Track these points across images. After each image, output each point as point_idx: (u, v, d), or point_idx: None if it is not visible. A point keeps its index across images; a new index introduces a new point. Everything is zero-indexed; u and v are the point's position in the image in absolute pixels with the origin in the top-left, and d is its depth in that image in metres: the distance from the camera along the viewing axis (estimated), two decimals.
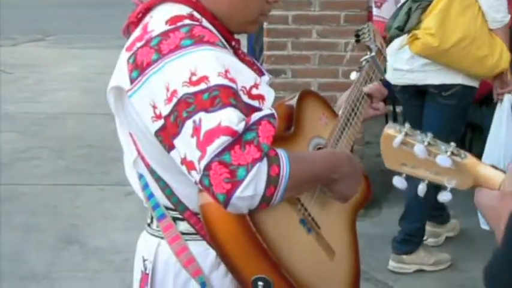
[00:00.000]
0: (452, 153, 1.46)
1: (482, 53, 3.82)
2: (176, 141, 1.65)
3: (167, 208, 1.83)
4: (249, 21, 1.86)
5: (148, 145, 1.78)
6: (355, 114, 2.03)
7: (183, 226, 1.82)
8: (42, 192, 5.80)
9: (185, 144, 1.62)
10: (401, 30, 3.80)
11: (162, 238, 1.85)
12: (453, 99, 3.99)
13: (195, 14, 1.78)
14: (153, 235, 1.88)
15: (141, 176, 1.86)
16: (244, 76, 1.71)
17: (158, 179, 1.81)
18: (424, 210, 4.35)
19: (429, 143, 1.47)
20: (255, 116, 1.63)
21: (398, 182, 1.52)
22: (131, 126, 1.82)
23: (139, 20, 1.82)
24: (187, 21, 1.73)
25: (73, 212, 5.45)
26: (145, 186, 1.85)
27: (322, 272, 1.84)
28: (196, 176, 1.60)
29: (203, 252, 1.81)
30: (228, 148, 1.57)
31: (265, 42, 5.08)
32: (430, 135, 1.49)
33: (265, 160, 1.59)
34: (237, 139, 1.58)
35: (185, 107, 1.62)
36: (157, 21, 1.76)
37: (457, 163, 1.46)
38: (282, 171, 1.60)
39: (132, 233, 4.97)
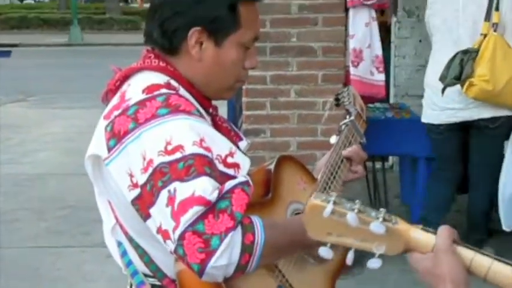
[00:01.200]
0: (384, 219, 1.44)
1: None
2: (152, 210, 1.66)
3: (146, 275, 1.84)
4: (225, 88, 1.90)
5: (126, 213, 1.79)
6: (334, 178, 2.03)
7: None
8: (23, 255, 5.76)
9: (160, 213, 1.64)
10: (457, 79, 4.36)
11: None
12: (500, 128, 4.67)
13: (172, 82, 1.81)
14: None
15: (119, 244, 1.87)
16: (219, 145, 1.74)
17: (137, 247, 1.82)
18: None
19: (359, 210, 1.44)
20: (229, 185, 1.65)
21: (324, 252, 1.49)
22: (109, 194, 1.83)
23: (118, 87, 1.85)
24: (164, 90, 1.76)
25: (54, 275, 5.40)
26: (123, 253, 1.87)
27: None
28: (171, 245, 1.62)
29: None
30: (201, 217, 1.59)
31: (244, 102, 5.12)
32: (358, 202, 1.46)
33: (239, 228, 1.61)
34: (211, 208, 1.60)
35: (160, 176, 1.63)
36: (134, 89, 1.79)
37: (388, 229, 1.44)
38: (256, 238, 1.62)
39: None
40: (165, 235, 1.63)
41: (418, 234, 1.46)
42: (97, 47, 23.89)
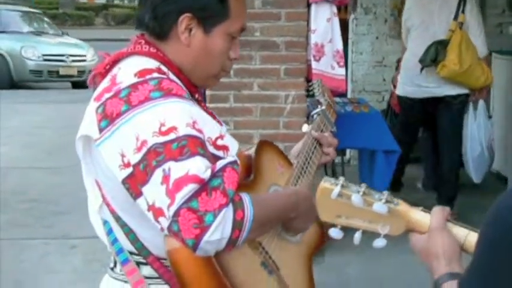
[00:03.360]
0: (387, 201, 1.58)
1: (478, 73, 5.94)
2: (144, 189, 1.73)
3: (131, 253, 1.89)
4: (211, 76, 1.97)
5: (114, 192, 1.85)
6: (309, 162, 2.15)
7: (147, 270, 1.88)
8: None
9: (154, 191, 1.71)
10: (433, 61, 5.84)
11: (125, 282, 1.91)
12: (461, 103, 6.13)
13: (162, 67, 1.88)
14: (117, 279, 1.95)
15: (105, 222, 1.92)
16: (210, 127, 1.83)
17: (123, 225, 1.88)
18: None
19: (364, 193, 1.58)
20: (220, 163, 1.74)
21: (335, 233, 1.63)
22: (97, 174, 1.88)
23: (107, 71, 1.91)
24: (155, 75, 1.83)
25: (18, 267, 5.42)
26: (109, 232, 1.91)
27: None
28: (164, 222, 1.69)
29: None
30: (195, 195, 1.67)
31: (207, 95, 5.20)
32: (364, 185, 1.60)
33: (230, 205, 1.70)
34: (204, 186, 1.68)
35: (155, 156, 1.71)
36: (126, 73, 1.85)
37: (390, 210, 1.57)
38: (246, 215, 1.72)
39: (78, 286, 5.03)
40: (158, 213, 1.71)
41: (417, 215, 1.59)
42: None
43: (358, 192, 1.58)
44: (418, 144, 7.00)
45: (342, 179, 1.60)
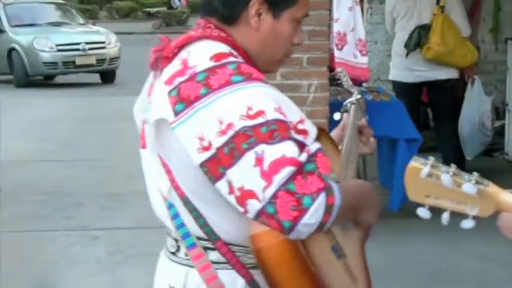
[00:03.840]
0: (476, 182, 1.58)
1: (463, 52, 6.26)
2: (230, 171, 1.73)
3: (198, 238, 1.88)
4: (275, 60, 1.98)
5: (186, 176, 1.85)
6: (352, 150, 2.15)
7: (214, 255, 1.88)
8: (4, 239, 5.75)
9: (244, 174, 1.72)
10: (417, 45, 6.16)
11: (190, 267, 1.90)
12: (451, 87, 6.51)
13: (233, 52, 1.88)
14: (181, 263, 1.93)
15: (170, 206, 1.90)
16: (292, 112, 1.83)
17: (192, 210, 1.87)
18: None
19: (453, 173, 1.58)
20: (313, 148, 1.76)
21: (423, 213, 1.63)
22: (169, 157, 1.87)
23: (175, 55, 1.90)
24: (232, 59, 1.84)
25: (41, 258, 5.42)
26: (175, 216, 1.90)
27: None
28: (255, 204, 1.70)
29: (232, 280, 1.87)
30: (292, 178, 1.69)
31: None
32: (453, 166, 1.60)
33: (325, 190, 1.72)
34: (300, 169, 1.70)
35: (244, 139, 1.72)
36: (199, 57, 1.85)
37: (480, 191, 1.58)
38: (336, 200, 1.73)
39: (102, 277, 5.03)
40: (248, 195, 1.71)
41: (508, 197, 1.59)
42: None
43: (448, 173, 1.58)
44: (432, 133, 7.09)
45: (431, 159, 1.60)
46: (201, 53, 1.86)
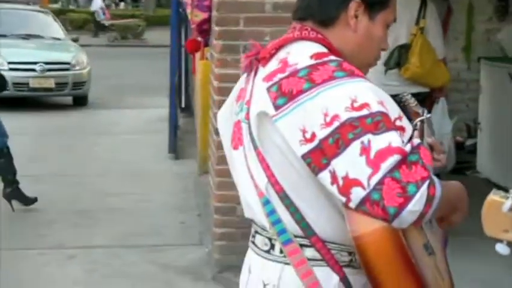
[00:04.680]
0: None
1: (438, 74, 6.40)
2: (335, 161, 1.78)
3: (294, 236, 1.91)
4: (367, 63, 2.05)
5: (287, 170, 1.89)
6: None
7: (309, 252, 1.91)
8: None
9: (349, 162, 1.76)
10: (397, 64, 6.23)
11: (286, 264, 1.92)
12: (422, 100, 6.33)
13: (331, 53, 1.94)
14: (276, 261, 1.95)
15: (266, 203, 1.93)
16: (391, 107, 1.88)
17: (289, 205, 1.90)
18: None
19: None
20: (416, 141, 1.83)
21: (502, 249, 1.60)
22: (268, 152, 1.91)
23: (272, 55, 1.98)
24: (332, 57, 1.90)
25: (15, 278, 5.22)
26: (271, 212, 1.92)
27: None
28: (360, 192, 1.74)
29: (327, 277, 1.90)
30: (397, 167, 1.74)
31: (216, 100, 5.09)
32: None
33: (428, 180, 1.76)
34: (404, 159, 1.75)
35: (351, 129, 1.77)
36: (299, 55, 1.92)
37: None
38: (437, 192, 1.76)
39: None
40: (352, 183, 1.75)
41: None
42: None
43: None
44: None
45: (511, 192, 1.53)
46: (301, 53, 1.93)
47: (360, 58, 2.00)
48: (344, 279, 1.90)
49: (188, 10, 5.42)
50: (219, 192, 5.17)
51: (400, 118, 1.89)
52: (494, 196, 1.58)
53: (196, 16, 5.30)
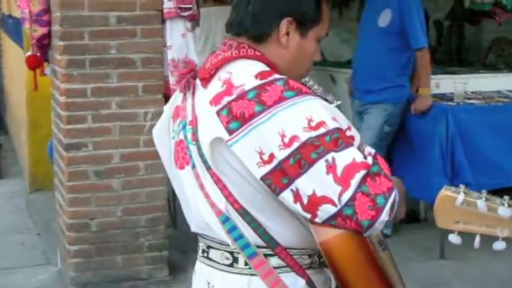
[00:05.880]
0: (509, 205, 1.69)
1: None
2: (299, 181, 1.83)
3: (258, 246, 1.96)
4: (300, 76, 2.10)
5: (245, 189, 1.92)
6: None
7: (274, 261, 1.97)
8: None
9: (316, 181, 1.82)
10: None
11: (252, 275, 1.97)
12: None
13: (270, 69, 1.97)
14: (241, 274, 1.99)
15: (226, 220, 1.96)
16: (341, 120, 1.94)
17: (251, 221, 1.95)
18: None
19: (486, 198, 1.69)
20: (370, 150, 1.92)
21: (455, 239, 1.75)
22: (225, 173, 1.93)
23: (212, 76, 1.99)
24: (276, 76, 1.93)
25: None
26: (231, 229, 1.96)
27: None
28: (330, 209, 1.81)
29: (294, 282, 1.97)
30: (363, 181, 1.81)
31: (63, 116, 5.00)
32: (484, 191, 1.70)
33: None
34: (368, 172, 1.83)
35: (312, 149, 1.82)
36: (243, 76, 1.94)
37: None
38: (396, 197, 1.86)
39: None
40: (320, 201, 1.81)
41: None
42: None
43: (481, 198, 1.67)
44: None
45: (462, 187, 1.69)
46: (244, 72, 1.95)
47: (293, 72, 2.03)
48: (309, 282, 1.98)
49: (26, 25, 5.26)
50: (72, 208, 5.08)
51: (349, 128, 1.96)
52: (446, 191, 1.72)
53: (35, 31, 5.16)
